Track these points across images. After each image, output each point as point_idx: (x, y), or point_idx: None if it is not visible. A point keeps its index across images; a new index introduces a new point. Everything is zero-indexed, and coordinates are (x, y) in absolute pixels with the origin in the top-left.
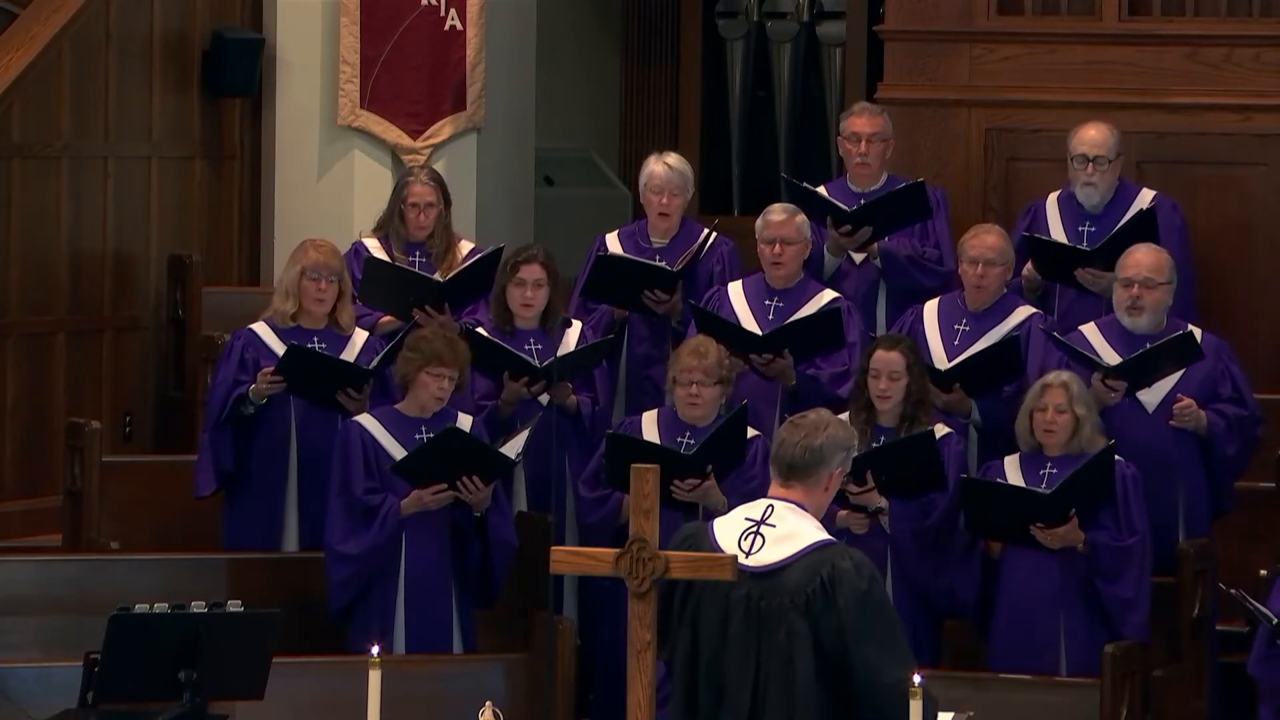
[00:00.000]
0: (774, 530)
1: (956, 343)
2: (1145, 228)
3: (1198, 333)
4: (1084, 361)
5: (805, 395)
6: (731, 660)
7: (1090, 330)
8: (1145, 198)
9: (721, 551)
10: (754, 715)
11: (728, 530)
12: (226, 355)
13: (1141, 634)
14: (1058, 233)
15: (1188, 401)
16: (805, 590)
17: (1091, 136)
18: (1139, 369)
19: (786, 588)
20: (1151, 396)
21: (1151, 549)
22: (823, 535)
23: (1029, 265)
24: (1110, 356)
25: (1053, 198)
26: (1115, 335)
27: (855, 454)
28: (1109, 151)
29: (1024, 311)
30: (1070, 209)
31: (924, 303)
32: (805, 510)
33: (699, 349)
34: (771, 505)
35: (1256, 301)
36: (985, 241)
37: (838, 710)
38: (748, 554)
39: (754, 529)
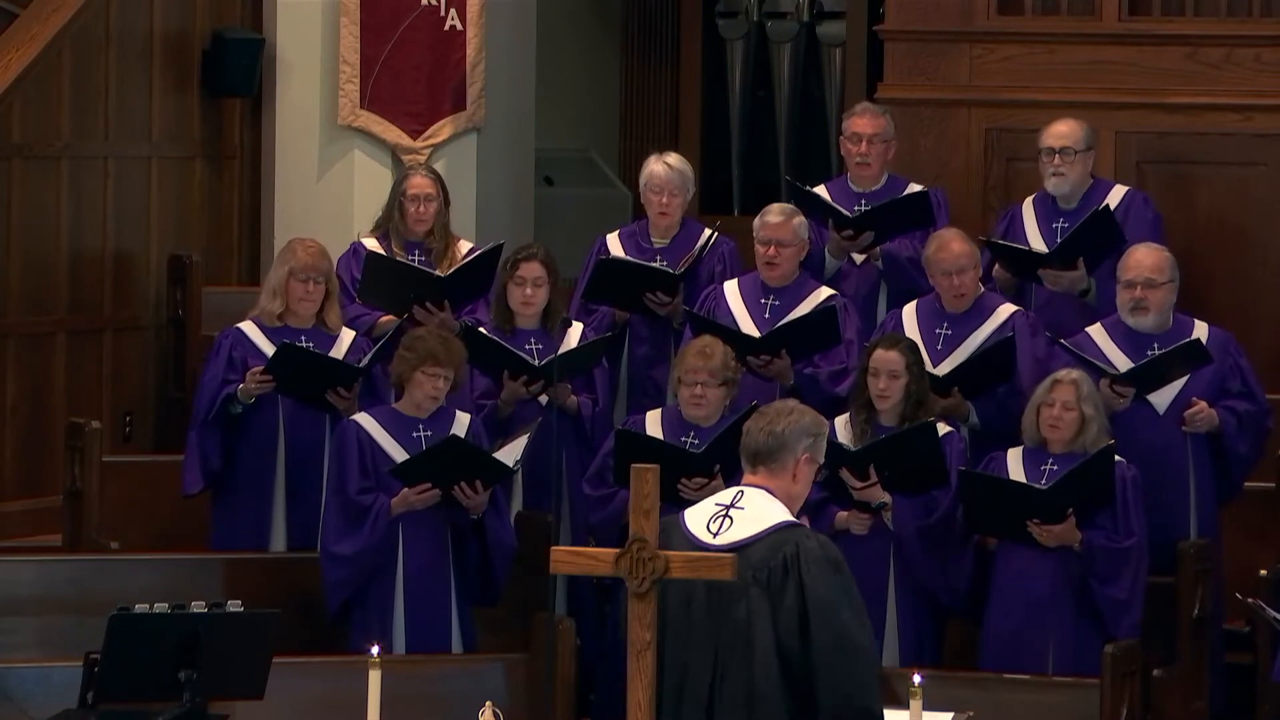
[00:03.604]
0: (742, 512)
1: (940, 346)
2: (1103, 226)
3: (1203, 330)
4: (1091, 367)
5: (804, 394)
6: (694, 641)
7: (1097, 331)
8: (1117, 194)
9: (692, 538)
10: (711, 694)
11: (698, 517)
12: (214, 354)
13: (1133, 635)
14: (1033, 232)
15: (1200, 406)
16: (768, 565)
17: (1059, 129)
18: (1147, 375)
19: (749, 562)
20: (1161, 398)
21: (1148, 551)
22: (790, 518)
23: (997, 266)
24: (1117, 357)
25: (1029, 201)
26: (1122, 336)
27: (852, 449)
28: (1076, 144)
29: (1006, 310)
30: (1045, 207)
31: (902, 306)
32: (774, 496)
33: (705, 350)
34: (742, 491)
35: (1256, 302)
36: (953, 250)
37: (796, 690)
38: (715, 535)
39: (723, 512)
